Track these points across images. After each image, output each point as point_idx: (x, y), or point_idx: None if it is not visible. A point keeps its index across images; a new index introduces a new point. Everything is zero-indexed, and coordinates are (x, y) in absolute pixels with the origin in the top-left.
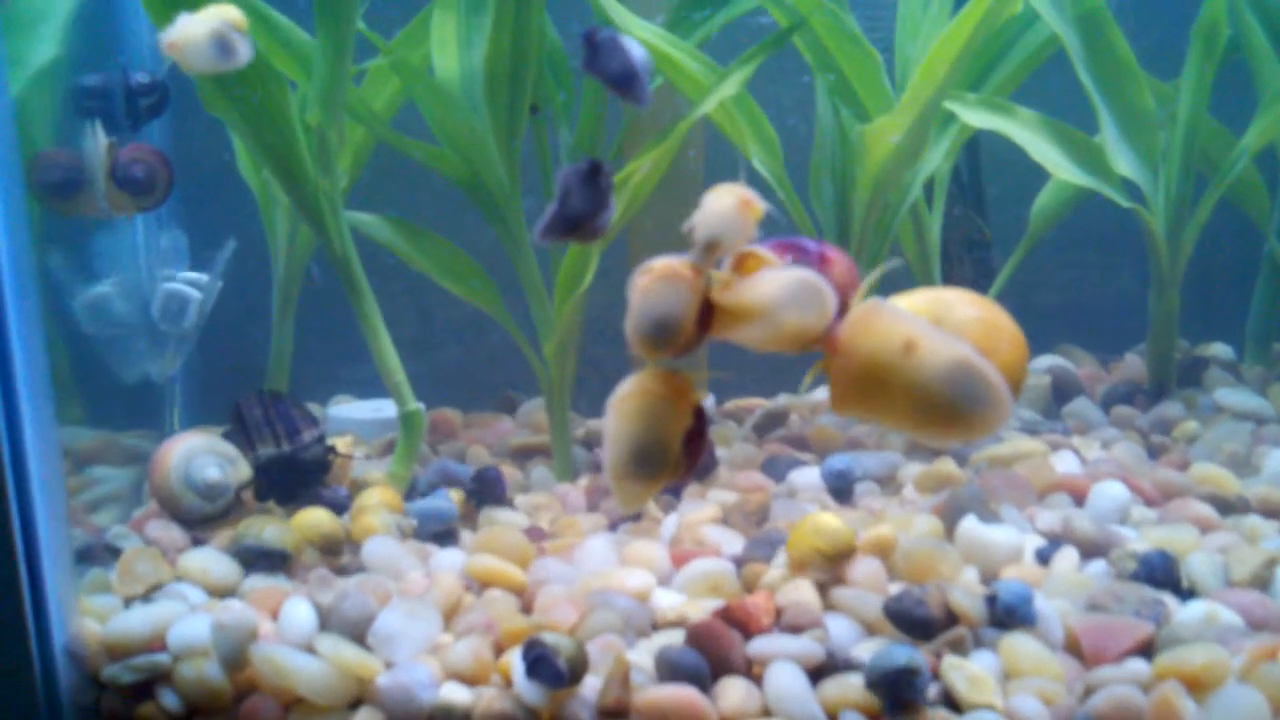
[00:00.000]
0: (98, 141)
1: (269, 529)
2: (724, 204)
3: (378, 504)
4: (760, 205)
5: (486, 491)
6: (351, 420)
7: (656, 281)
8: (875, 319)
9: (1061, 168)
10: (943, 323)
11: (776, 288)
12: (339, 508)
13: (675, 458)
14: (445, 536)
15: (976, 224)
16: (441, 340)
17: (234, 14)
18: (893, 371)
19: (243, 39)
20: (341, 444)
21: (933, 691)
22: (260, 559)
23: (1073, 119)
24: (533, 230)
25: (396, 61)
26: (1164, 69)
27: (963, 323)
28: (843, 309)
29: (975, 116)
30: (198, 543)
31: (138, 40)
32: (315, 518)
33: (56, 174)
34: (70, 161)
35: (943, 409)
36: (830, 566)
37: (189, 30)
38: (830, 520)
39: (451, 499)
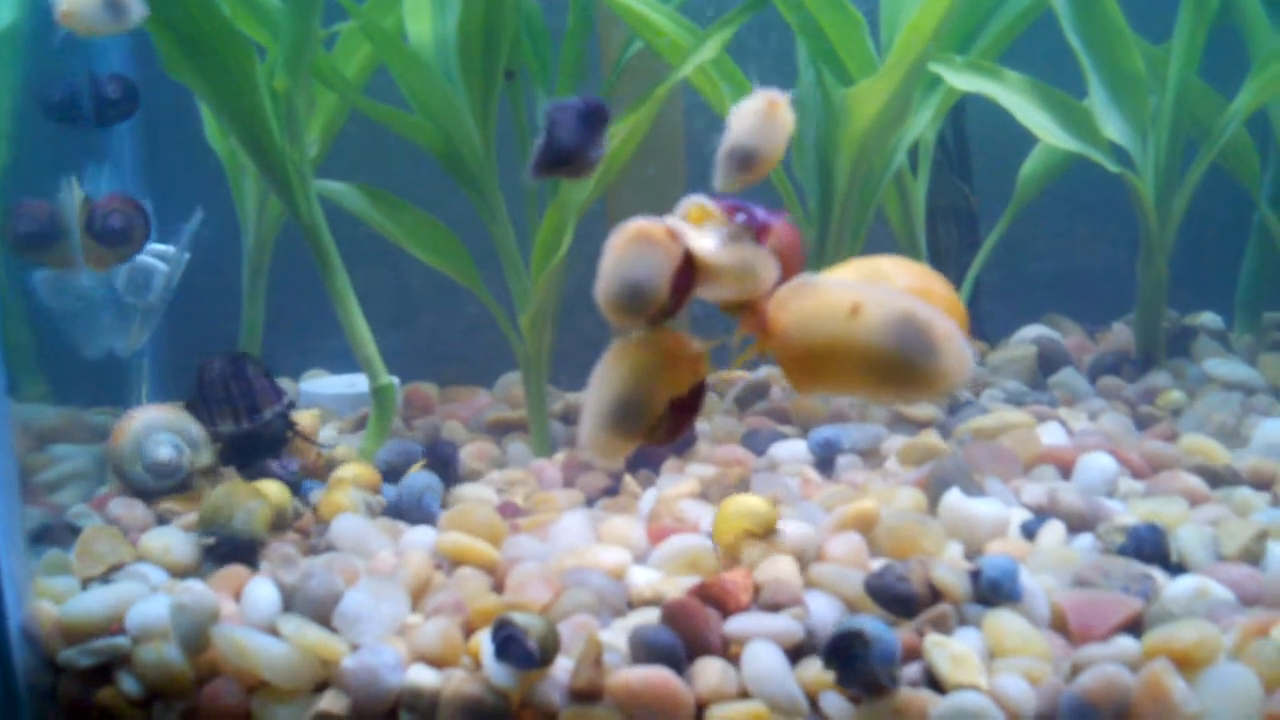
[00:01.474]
0: (73, 195)
1: (238, 515)
2: (751, 112)
3: (347, 480)
4: (786, 101)
5: (440, 470)
6: (324, 395)
7: (630, 244)
8: (814, 291)
9: (1049, 132)
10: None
11: (724, 255)
12: (288, 483)
13: (655, 421)
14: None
15: (962, 191)
16: (416, 312)
17: None
18: (840, 338)
19: (135, 1)
20: (307, 419)
21: (915, 670)
22: (230, 549)
23: (1061, 82)
24: (524, 171)
25: (368, 26)
26: (1154, 31)
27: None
28: (785, 279)
29: (961, 80)
30: (161, 521)
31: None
32: (264, 490)
33: (31, 225)
34: (45, 214)
35: (895, 365)
36: (761, 544)
37: None
38: (751, 500)
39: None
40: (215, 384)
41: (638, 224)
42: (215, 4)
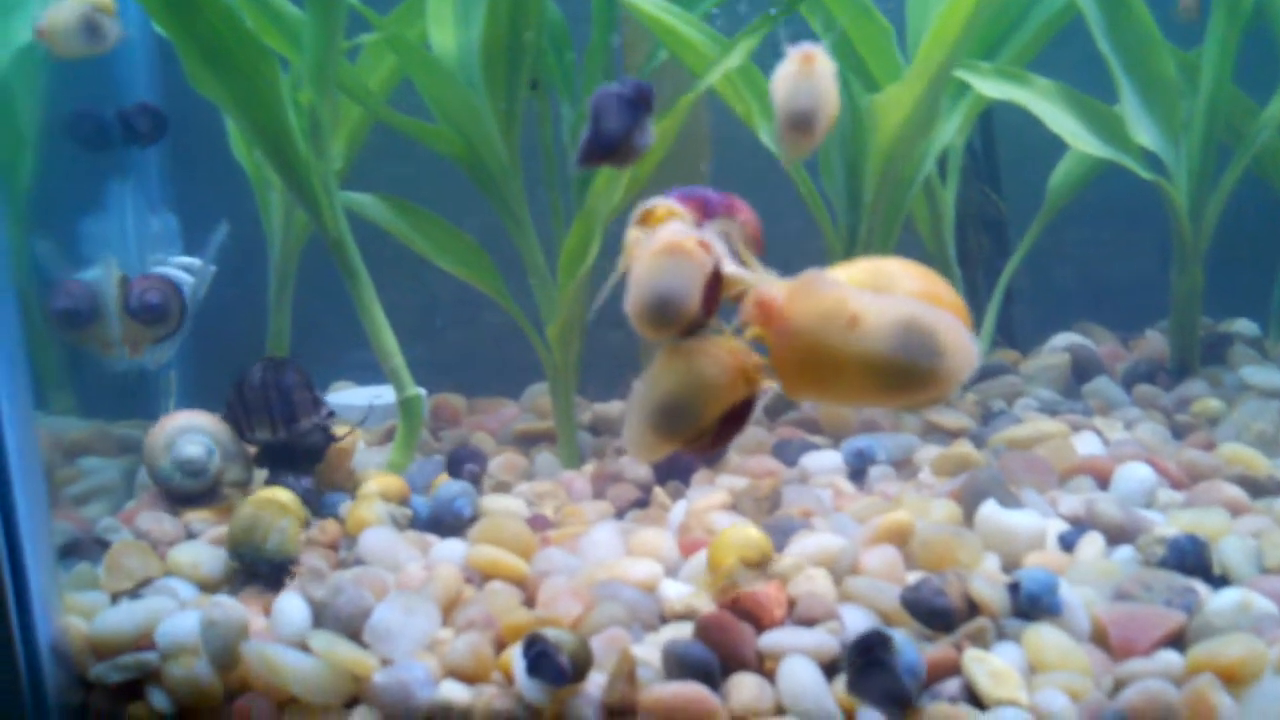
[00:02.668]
0: (110, 275)
1: (271, 538)
2: (789, 74)
3: (374, 494)
4: (819, 54)
5: (455, 470)
6: (350, 407)
7: (661, 256)
8: (812, 296)
9: (1080, 139)
10: (886, 294)
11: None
12: (305, 498)
13: (702, 431)
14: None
15: (991, 198)
16: (443, 323)
17: None
18: (841, 350)
19: (111, 21)
20: (349, 436)
21: (954, 686)
22: (266, 569)
23: (1091, 88)
24: (571, 160)
25: (392, 37)
26: (1185, 36)
27: (904, 294)
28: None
29: (990, 86)
30: (190, 535)
31: (124, 18)
32: (283, 502)
33: (69, 303)
34: (83, 292)
35: (903, 372)
36: (754, 576)
37: (58, 15)
38: (749, 530)
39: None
40: (255, 390)
41: (669, 236)
42: (239, 17)
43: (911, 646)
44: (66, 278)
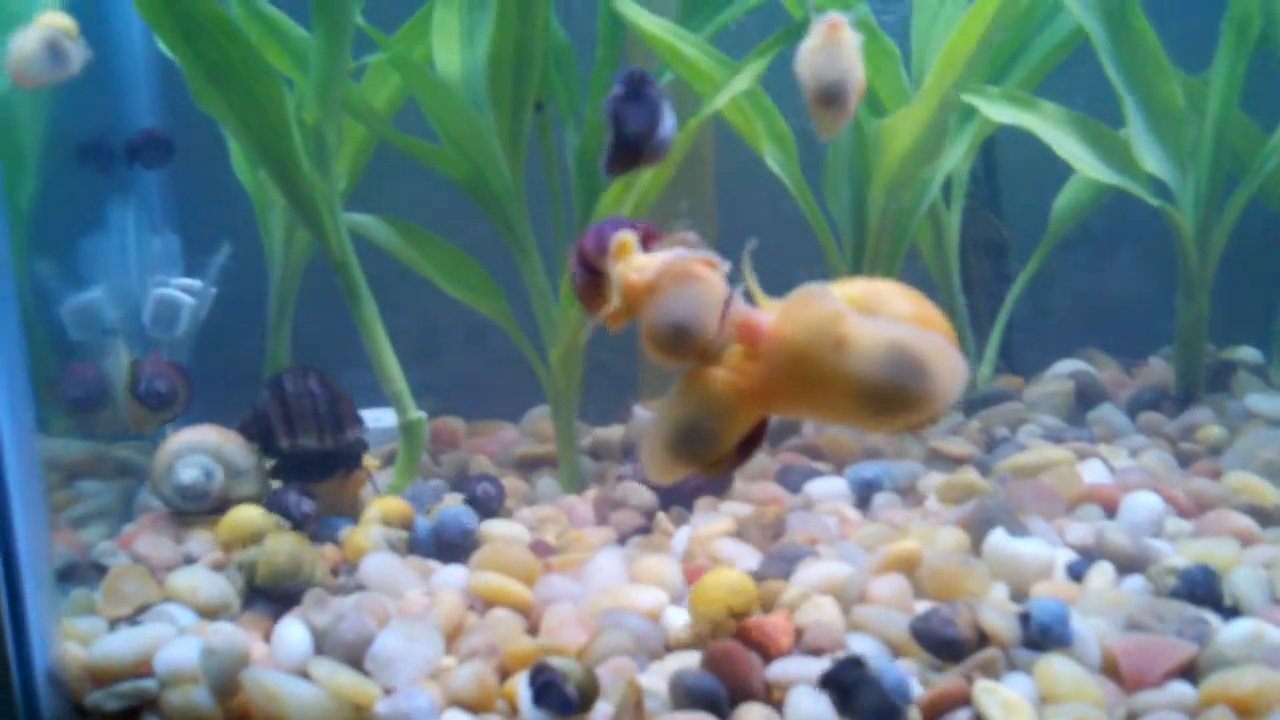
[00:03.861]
0: (119, 359)
1: (318, 572)
2: (814, 48)
3: (376, 517)
4: (843, 24)
5: (470, 490)
6: None
7: (674, 282)
8: (807, 309)
9: (1087, 164)
10: (876, 316)
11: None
12: (294, 521)
13: (720, 455)
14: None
15: (993, 223)
16: (444, 347)
17: (64, 21)
18: (827, 367)
19: (75, 45)
20: (368, 459)
21: (965, 717)
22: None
23: (1098, 114)
24: (600, 166)
25: (397, 57)
26: (1192, 62)
27: (896, 318)
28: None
29: (997, 111)
30: (188, 560)
31: (126, 38)
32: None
33: (79, 390)
34: (93, 378)
35: (889, 393)
36: (738, 624)
37: (22, 43)
38: (740, 577)
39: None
40: (299, 398)
41: (681, 261)
42: (244, 35)
43: (893, 667)
44: (75, 364)
